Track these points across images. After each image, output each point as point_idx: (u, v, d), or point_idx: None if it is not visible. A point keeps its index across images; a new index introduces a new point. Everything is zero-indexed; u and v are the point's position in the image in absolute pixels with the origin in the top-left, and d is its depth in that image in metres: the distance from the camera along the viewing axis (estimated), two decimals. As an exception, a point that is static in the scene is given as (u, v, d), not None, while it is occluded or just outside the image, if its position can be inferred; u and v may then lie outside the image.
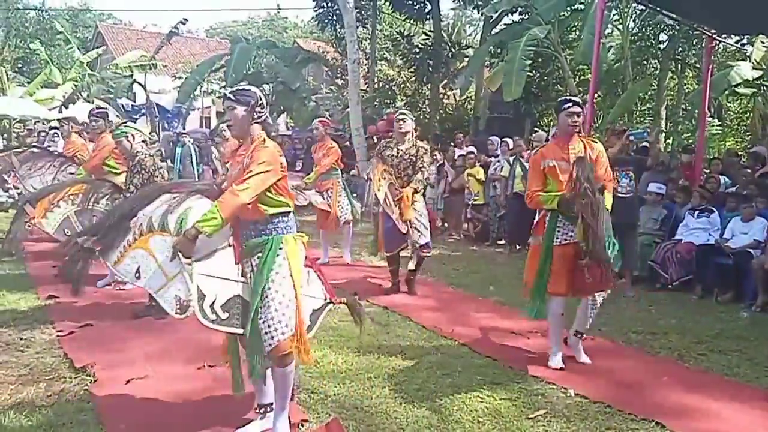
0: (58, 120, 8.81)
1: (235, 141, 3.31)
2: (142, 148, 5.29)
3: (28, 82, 21.10)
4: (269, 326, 2.83)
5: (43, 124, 15.20)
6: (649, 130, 8.70)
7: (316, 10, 17.81)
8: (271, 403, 3.14)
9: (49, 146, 13.53)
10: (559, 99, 4.25)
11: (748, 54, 11.79)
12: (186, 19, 17.60)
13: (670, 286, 6.40)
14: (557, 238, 4.01)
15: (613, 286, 3.91)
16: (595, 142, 4.18)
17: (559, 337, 4.20)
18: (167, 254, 2.80)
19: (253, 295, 2.86)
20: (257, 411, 3.19)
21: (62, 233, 5.31)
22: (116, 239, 2.89)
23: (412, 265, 6.09)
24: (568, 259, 3.96)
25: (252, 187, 2.81)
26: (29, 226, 5.78)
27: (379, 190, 5.67)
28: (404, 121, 5.86)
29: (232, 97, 3.00)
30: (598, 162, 4.02)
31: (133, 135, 5.33)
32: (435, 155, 10.86)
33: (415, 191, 5.78)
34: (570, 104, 4.05)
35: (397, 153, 5.81)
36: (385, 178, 5.75)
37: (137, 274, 2.85)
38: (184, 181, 3.01)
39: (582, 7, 12.55)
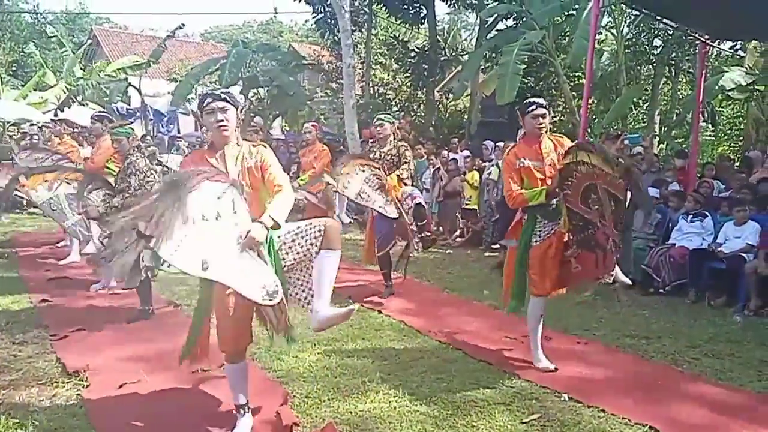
0: (51, 120, 8.80)
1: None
2: (134, 152, 5.31)
3: (22, 86, 21.02)
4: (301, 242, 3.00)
5: (39, 127, 15.14)
6: (644, 135, 8.75)
7: (314, 16, 17.82)
8: (246, 403, 3.18)
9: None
10: (524, 102, 4.17)
11: (741, 57, 11.87)
12: (183, 24, 17.66)
13: (662, 291, 6.42)
14: (538, 237, 4.03)
15: (612, 268, 3.89)
16: (563, 138, 4.17)
17: (538, 338, 4.21)
18: (231, 244, 2.72)
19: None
20: (237, 412, 3.18)
21: (48, 207, 5.37)
22: (172, 227, 2.56)
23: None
24: (549, 256, 3.99)
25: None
26: (19, 191, 5.87)
27: (346, 188, 5.72)
28: (381, 126, 6.03)
29: (228, 99, 3.02)
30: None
31: (133, 137, 5.40)
32: (432, 159, 10.92)
33: (399, 178, 5.92)
34: (534, 106, 4.01)
35: (381, 156, 6.00)
36: (363, 170, 5.79)
37: (204, 265, 2.59)
38: (217, 170, 2.90)
39: (575, 12, 12.59)
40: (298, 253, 3.01)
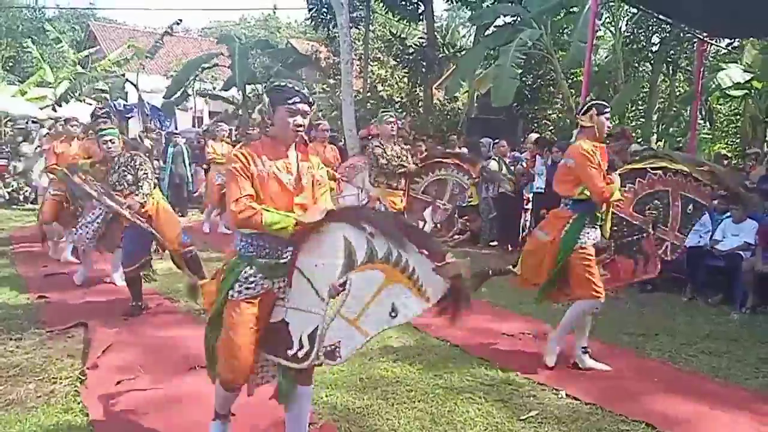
0: (57, 119, 8.64)
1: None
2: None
3: (19, 81, 20.96)
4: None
5: (42, 126, 15.11)
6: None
7: (310, 10, 17.77)
8: (228, 414, 2.98)
9: (39, 146, 13.45)
10: (597, 102, 4.12)
11: (738, 54, 11.87)
12: (180, 20, 17.49)
13: (650, 286, 6.43)
14: (584, 240, 3.99)
15: (655, 273, 4.06)
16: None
17: (565, 335, 4.21)
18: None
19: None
20: (215, 418, 2.97)
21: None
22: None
23: None
24: (591, 260, 3.99)
25: None
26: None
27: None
28: (394, 124, 5.93)
29: (312, 102, 2.74)
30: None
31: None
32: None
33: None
34: (608, 109, 4.08)
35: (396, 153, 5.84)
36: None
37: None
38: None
39: (575, 9, 12.58)
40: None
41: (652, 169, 3.99)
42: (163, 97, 17.22)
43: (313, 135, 8.04)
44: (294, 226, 2.57)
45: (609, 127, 4.08)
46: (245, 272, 2.66)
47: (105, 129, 5.36)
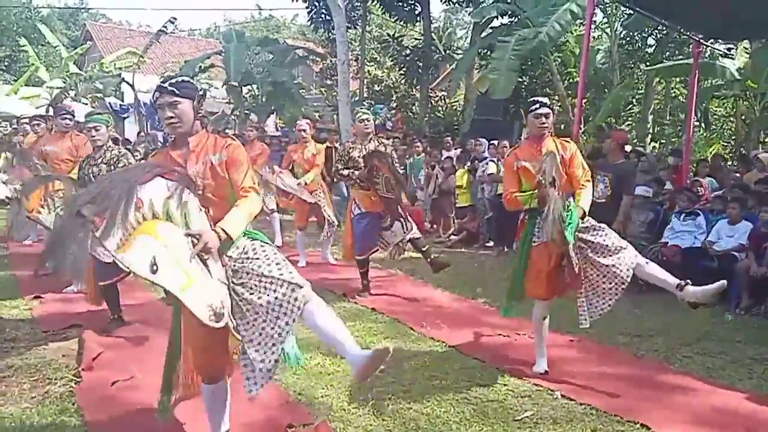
0: (42, 116, 8.53)
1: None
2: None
3: (15, 81, 20.92)
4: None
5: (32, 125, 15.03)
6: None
7: (308, 10, 17.75)
8: None
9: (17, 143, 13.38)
10: (528, 100, 4.20)
11: (733, 59, 11.89)
12: (175, 18, 17.45)
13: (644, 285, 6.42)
14: (536, 238, 3.97)
15: (578, 286, 3.90)
16: (568, 143, 4.13)
17: (543, 342, 4.17)
18: (182, 249, 2.38)
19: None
20: None
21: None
22: (117, 214, 2.24)
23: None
24: (545, 259, 3.93)
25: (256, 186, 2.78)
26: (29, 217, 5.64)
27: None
28: (368, 122, 5.98)
29: (177, 91, 2.62)
30: (572, 162, 3.98)
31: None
32: (427, 157, 10.92)
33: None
34: (537, 106, 3.97)
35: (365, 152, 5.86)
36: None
37: (154, 267, 2.23)
38: (171, 166, 2.59)
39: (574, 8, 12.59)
40: (260, 305, 2.57)
41: None
42: None
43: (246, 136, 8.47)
44: None
45: (543, 123, 3.94)
46: None
47: (93, 115, 4.78)
